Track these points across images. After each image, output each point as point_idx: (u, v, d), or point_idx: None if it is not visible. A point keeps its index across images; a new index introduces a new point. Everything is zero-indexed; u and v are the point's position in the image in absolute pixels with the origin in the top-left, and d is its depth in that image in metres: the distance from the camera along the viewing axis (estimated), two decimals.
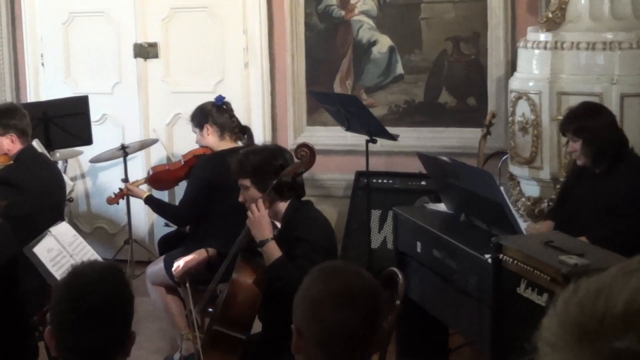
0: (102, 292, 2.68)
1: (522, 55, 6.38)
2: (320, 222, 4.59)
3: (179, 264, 5.02)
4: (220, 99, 6.12)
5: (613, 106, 5.83)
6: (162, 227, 7.12)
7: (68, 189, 6.24)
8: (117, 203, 6.68)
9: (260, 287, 4.47)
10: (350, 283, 2.50)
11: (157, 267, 5.99)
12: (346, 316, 2.45)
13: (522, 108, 6.24)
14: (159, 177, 6.40)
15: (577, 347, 1.03)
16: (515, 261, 3.99)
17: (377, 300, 2.52)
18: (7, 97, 8.34)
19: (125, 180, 6.96)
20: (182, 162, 6.30)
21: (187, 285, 4.83)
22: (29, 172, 5.48)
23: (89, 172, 8.32)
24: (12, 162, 5.49)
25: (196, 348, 4.42)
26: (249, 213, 4.46)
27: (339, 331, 2.45)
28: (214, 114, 6.03)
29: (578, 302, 1.06)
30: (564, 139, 5.69)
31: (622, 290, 1.03)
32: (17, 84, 8.46)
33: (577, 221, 5.10)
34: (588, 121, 5.13)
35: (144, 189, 6.48)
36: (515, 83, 6.38)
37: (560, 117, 5.76)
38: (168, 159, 7.48)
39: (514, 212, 4.92)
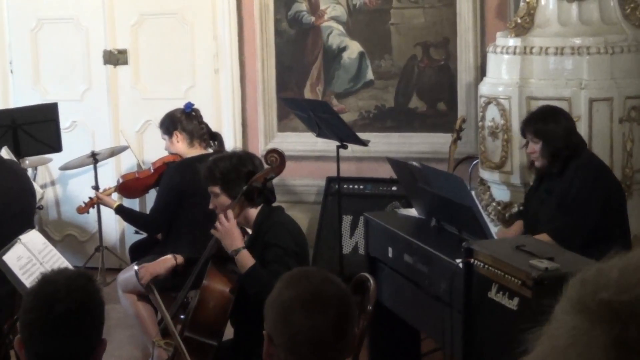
0: (71, 300, 2.67)
1: (492, 60, 6.41)
2: (291, 227, 4.59)
3: (144, 270, 4.93)
4: (189, 105, 6.11)
5: (582, 111, 5.87)
6: (133, 235, 7.10)
7: (38, 197, 6.20)
8: (88, 212, 6.65)
9: (231, 293, 4.47)
10: (320, 289, 2.50)
11: (128, 274, 5.96)
12: (316, 322, 2.44)
13: (492, 113, 6.26)
14: (129, 186, 6.37)
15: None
16: (486, 265, 4.01)
17: (347, 306, 2.52)
18: None
19: (96, 187, 6.94)
20: (152, 170, 6.28)
21: (155, 292, 4.80)
22: None
23: (59, 180, 8.28)
24: None
25: (182, 352, 4.40)
26: (217, 224, 4.46)
27: (308, 337, 2.44)
28: (183, 121, 6.01)
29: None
30: (523, 141, 5.74)
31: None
32: None
33: (538, 222, 5.20)
34: (548, 124, 5.24)
35: (114, 197, 6.46)
36: (484, 88, 6.40)
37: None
38: (138, 165, 7.45)
39: (485, 217, 4.95)
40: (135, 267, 4.91)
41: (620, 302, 1.02)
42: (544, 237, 4.97)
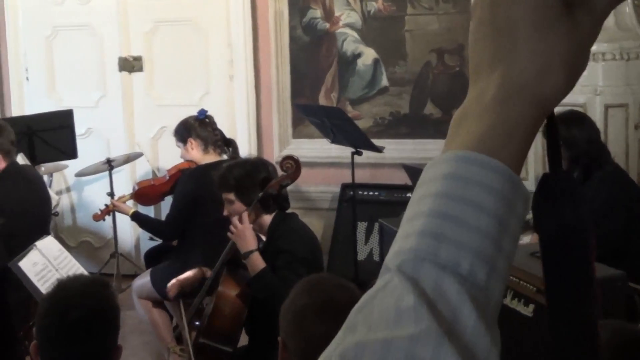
0: (87, 306, 2.68)
1: None
2: (303, 234, 4.59)
3: (172, 285, 4.95)
4: (202, 112, 6.11)
5: (597, 117, 5.85)
6: (148, 241, 7.11)
7: (53, 203, 6.22)
8: (104, 219, 6.66)
9: (246, 300, 4.47)
10: (334, 295, 2.50)
11: (143, 280, 5.98)
12: (329, 329, 2.43)
13: None
14: (144, 193, 6.39)
15: None
16: None
17: None
18: None
19: (111, 194, 6.96)
20: (167, 177, 6.29)
21: (181, 305, 4.81)
22: (8, 193, 5.36)
23: (74, 186, 8.30)
24: None
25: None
26: (231, 227, 4.46)
27: (322, 344, 2.42)
28: (196, 128, 6.02)
29: None
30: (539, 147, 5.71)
31: None
32: (2, 98, 8.45)
33: None
34: (571, 129, 5.18)
35: (130, 204, 6.47)
36: None
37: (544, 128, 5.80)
38: (153, 172, 7.46)
39: None
40: (170, 283, 4.90)
41: None
42: None
